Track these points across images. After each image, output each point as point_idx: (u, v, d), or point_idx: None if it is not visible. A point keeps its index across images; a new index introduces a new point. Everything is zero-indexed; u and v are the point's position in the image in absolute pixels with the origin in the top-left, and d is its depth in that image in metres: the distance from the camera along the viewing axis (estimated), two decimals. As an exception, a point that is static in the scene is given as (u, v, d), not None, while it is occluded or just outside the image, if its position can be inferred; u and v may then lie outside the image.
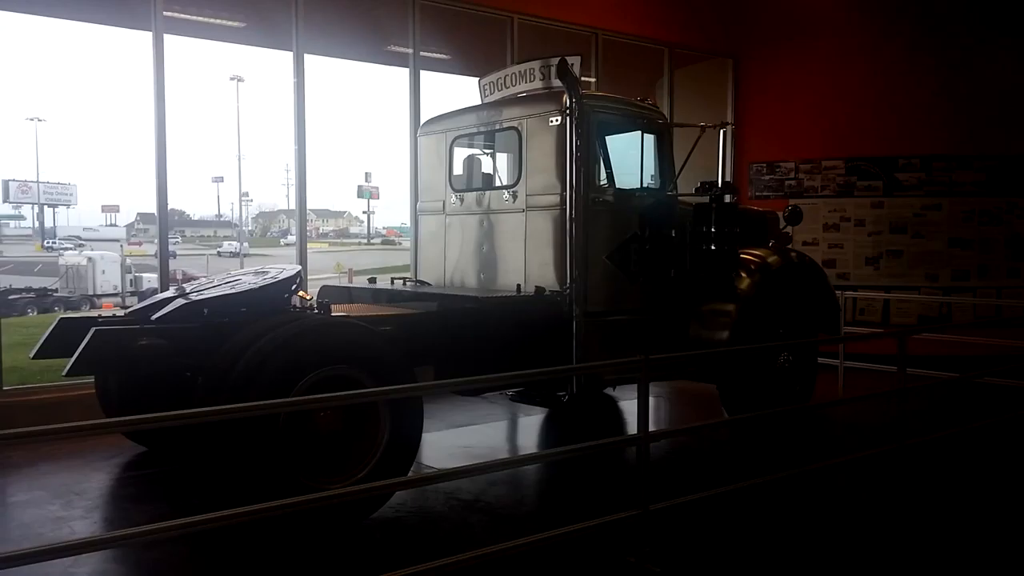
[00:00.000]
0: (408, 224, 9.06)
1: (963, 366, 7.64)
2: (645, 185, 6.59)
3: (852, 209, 10.87)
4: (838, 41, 10.89)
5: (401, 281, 7.19)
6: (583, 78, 6.48)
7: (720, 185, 6.79)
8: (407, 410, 4.85)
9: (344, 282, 8.75)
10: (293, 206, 8.68)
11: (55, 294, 22.57)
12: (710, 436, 6.92)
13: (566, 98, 6.01)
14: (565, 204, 6.02)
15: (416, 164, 7.98)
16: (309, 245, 8.54)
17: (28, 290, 22.26)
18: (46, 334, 5.59)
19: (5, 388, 6.82)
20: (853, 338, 8.99)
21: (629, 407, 7.89)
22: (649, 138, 6.65)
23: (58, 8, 8.22)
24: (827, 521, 4.92)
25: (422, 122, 7.73)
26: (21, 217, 48.83)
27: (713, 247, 6.80)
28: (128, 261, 25.84)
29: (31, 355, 5.64)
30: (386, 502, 4.79)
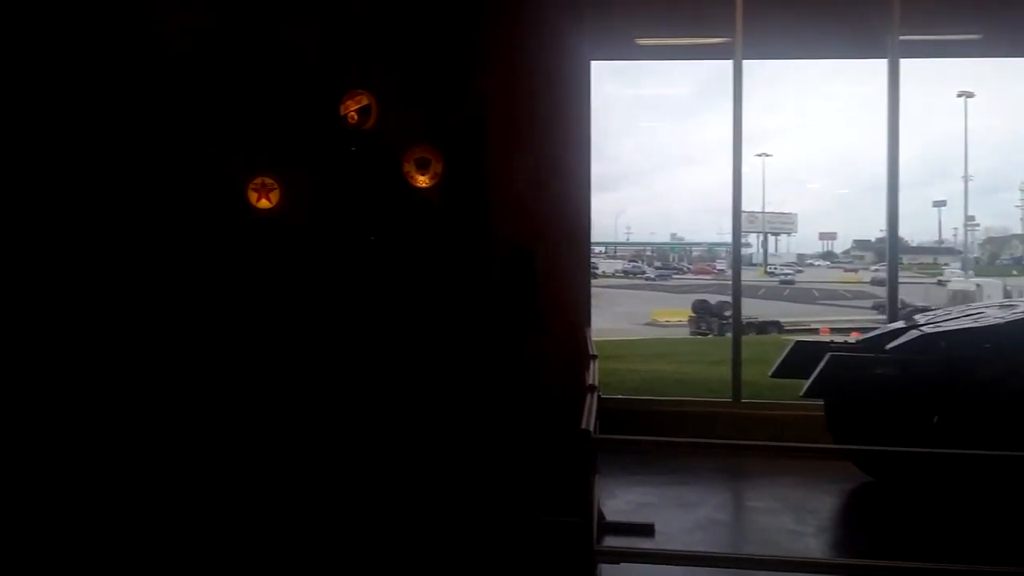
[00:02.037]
0: None
1: None
2: None
3: None
4: None
5: None
6: None
7: None
8: None
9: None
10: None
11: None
12: None
13: None
14: None
15: None
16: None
17: (919, 310, 27.03)
18: (783, 355, 6.05)
19: (743, 400, 7.60)
20: None
21: None
22: None
23: (801, 49, 8.75)
24: None
25: None
26: (748, 245, 54.93)
27: None
28: (1007, 287, 27.35)
29: (770, 374, 6.17)
30: None
